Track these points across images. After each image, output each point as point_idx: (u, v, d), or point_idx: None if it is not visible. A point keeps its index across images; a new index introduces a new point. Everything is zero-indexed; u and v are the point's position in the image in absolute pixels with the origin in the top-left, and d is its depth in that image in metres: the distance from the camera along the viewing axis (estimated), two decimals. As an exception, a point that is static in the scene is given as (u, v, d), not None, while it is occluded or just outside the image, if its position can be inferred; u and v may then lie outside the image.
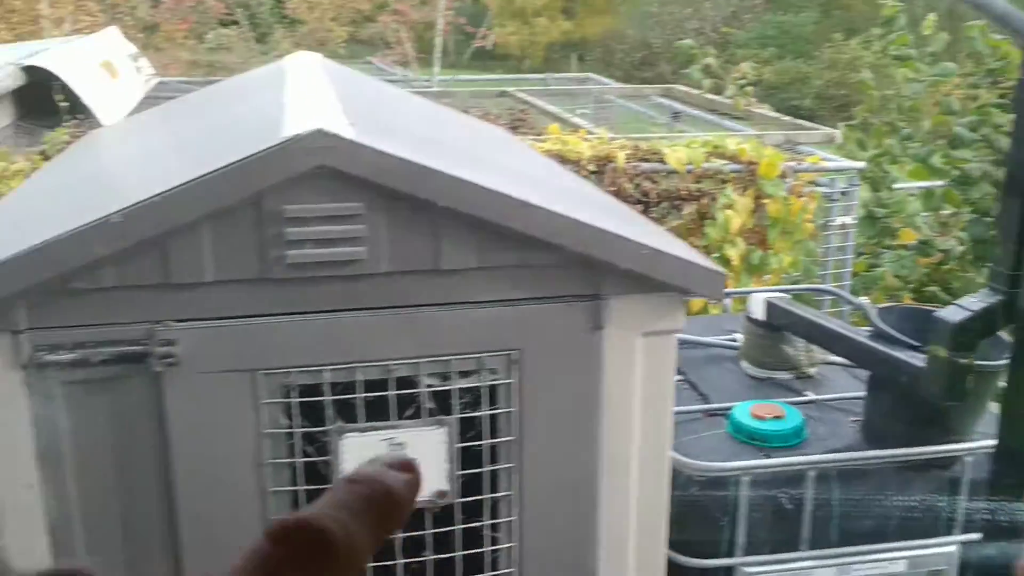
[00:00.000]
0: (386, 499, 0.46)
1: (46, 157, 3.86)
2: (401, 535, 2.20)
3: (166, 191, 1.89)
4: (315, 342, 2.06)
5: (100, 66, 6.20)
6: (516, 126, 5.13)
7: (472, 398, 2.19)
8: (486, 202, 2.01)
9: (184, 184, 1.90)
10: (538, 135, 4.80)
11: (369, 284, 2.04)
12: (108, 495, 2.08)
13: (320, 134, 1.89)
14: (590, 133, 4.95)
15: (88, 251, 1.88)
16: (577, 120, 5.76)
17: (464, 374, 2.16)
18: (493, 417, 2.20)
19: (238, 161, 1.90)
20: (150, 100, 7.07)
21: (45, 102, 5.95)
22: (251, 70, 4.88)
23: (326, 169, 1.92)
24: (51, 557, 2.07)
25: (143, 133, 3.37)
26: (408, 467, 0.48)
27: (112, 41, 7.38)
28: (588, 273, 2.14)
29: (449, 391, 2.15)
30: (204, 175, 1.90)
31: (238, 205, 1.93)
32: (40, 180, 3.09)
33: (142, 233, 1.89)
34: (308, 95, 2.59)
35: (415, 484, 0.47)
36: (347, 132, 1.92)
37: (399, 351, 2.10)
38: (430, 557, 2.23)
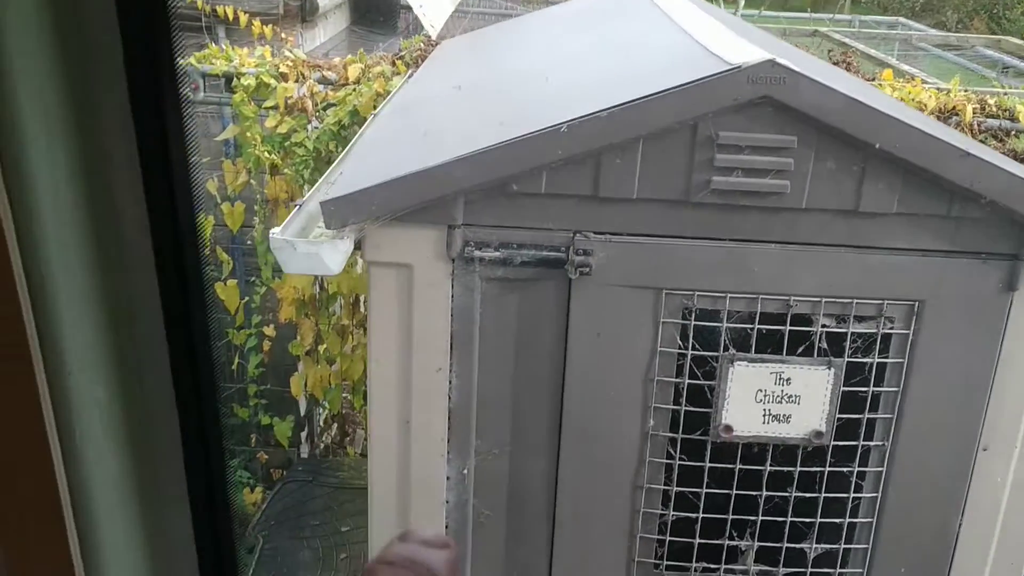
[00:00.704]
0: None
1: (405, 62, 4.09)
2: (769, 468, 2.24)
3: (608, 108, 1.95)
4: (722, 268, 2.09)
5: (422, -22, 6.44)
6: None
7: (863, 343, 2.16)
8: (923, 148, 1.96)
9: (625, 103, 1.95)
10: (870, 79, 4.58)
11: (785, 218, 2.05)
12: (504, 387, 2.22)
13: (771, 65, 1.89)
14: (925, 82, 4.69)
15: (533, 157, 1.98)
16: (906, 67, 5.47)
17: (861, 319, 2.14)
18: (881, 365, 2.17)
19: (680, 86, 1.93)
20: (458, 14, 7.30)
21: (371, 10, 6.27)
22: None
23: (769, 100, 1.92)
24: (447, 439, 2.25)
25: (509, 47, 3.50)
26: (445, 544, 0.43)
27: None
28: (1012, 231, 2.05)
29: (843, 334, 2.14)
30: (644, 96, 1.95)
31: (675, 128, 1.97)
32: (426, 87, 3.27)
33: (583, 146, 1.97)
34: (700, 23, 2.60)
35: (455, 563, 0.42)
36: (794, 65, 1.91)
37: (802, 287, 2.10)
38: (794, 494, 2.25)
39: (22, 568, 0.97)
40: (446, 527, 2.31)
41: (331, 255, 2.05)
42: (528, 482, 2.29)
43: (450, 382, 2.21)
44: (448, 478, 2.28)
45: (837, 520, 2.29)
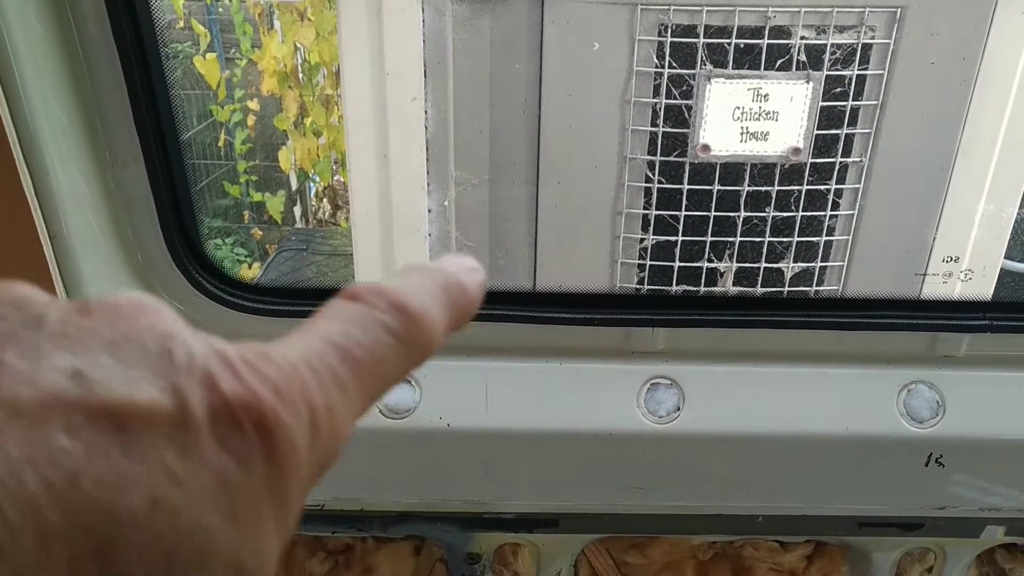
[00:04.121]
0: (459, 293, 0.42)
1: None
2: (747, 188, 2.25)
3: None
4: (698, -21, 2.03)
5: None
6: None
7: (843, 55, 2.13)
8: None
9: None
10: None
11: (764, -81, 1.97)
12: (481, 115, 2.20)
13: None
14: None
15: None
16: None
17: (841, 29, 2.09)
18: (860, 78, 2.14)
19: None
20: None
21: None
22: None
23: None
24: (426, 170, 2.25)
25: None
26: (476, 268, 0.44)
27: None
28: (999, -74, 1.97)
29: (823, 45, 2.10)
30: None
31: None
32: None
33: None
34: None
35: (483, 287, 0.43)
36: None
37: (781, -3, 2.05)
38: (772, 214, 2.28)
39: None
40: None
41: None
42: (509, 212, 2.31)
43: (426, 112, 2.19)
44: (429, 210, 2.30)
45: (814, 239, 2.33)
